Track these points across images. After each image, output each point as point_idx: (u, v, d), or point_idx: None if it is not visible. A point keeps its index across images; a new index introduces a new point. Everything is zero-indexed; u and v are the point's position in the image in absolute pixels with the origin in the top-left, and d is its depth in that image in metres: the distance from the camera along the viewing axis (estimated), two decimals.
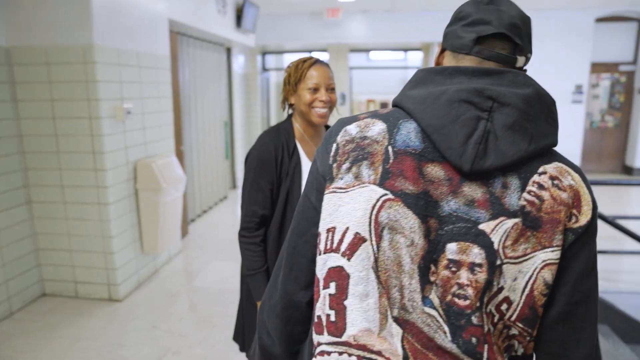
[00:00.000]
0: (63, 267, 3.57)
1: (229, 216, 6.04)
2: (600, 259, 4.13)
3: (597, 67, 8.55)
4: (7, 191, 3.28)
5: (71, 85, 3.26)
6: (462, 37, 0.80)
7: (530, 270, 0.71)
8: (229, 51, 6.96)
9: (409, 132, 0.75)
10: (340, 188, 0.76)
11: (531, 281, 0.72)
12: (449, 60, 0.83)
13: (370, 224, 0.72)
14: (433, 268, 0.71)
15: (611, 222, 3.16)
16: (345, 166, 0.76)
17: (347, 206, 0.74)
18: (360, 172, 0.75)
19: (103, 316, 3.32)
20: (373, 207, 0.72)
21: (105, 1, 3.31)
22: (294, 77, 1.69)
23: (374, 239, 0.72)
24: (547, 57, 8.19)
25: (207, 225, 5.55)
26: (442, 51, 0.86)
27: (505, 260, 0.71)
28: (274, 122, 11.00)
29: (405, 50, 9.88)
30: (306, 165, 1.72)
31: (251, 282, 1.69)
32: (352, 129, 0.79)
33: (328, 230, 0.76)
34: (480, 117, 0.72)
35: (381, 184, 0.73)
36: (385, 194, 0.72)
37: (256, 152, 1.68)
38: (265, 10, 7.70)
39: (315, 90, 1.67)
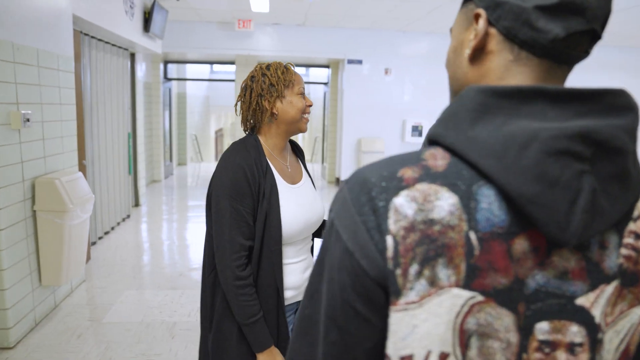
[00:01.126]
0: None
1: (134, 237, 5.45)
2: None
3: None
4: None
5: None
6: (539, 29, 0.55)
7: (626, 328, 0.60)
8: (133, 57, 6.37)
9: (490, 203, 0.53)
10: (413, 302, 0.54)
11: (627, 338, 0.60)
12: (500, 50, 0.59)
13: (454, 335, 0.55)
14: (525, 356, 0.57)
15: None
16: (413, 270, 0.53)
17: (426, 324, 0.54)
18: (436, 274, 0.53)
19: None
20: (457, 315, 0.54)
21: None
22: (284, 81, 1.50)
23: (458, 350, 0.55)
24: (447, 79, 8.70)
25: (112, 248, 4.93)
26: (488, 26, 0.60)
27: (606, 330, 0.58)
28: (176, 135, 10.37)
29: (313, 66, 9.91)
30: (282, 185, 1.51)
31: (251, 332, 1.42)
32: (406, 206, 0.53)
33: (403, 358, 0.56)
34: (583, 171, 0.52)
35: (466, 285, 0.53)
36: (473, 297, 0.53)
37: (228, 175, 1.41)
38: (171, 16, 7.22)
39: (302, 95, 1.55)
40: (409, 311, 0.54)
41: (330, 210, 0.61)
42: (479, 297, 0.53)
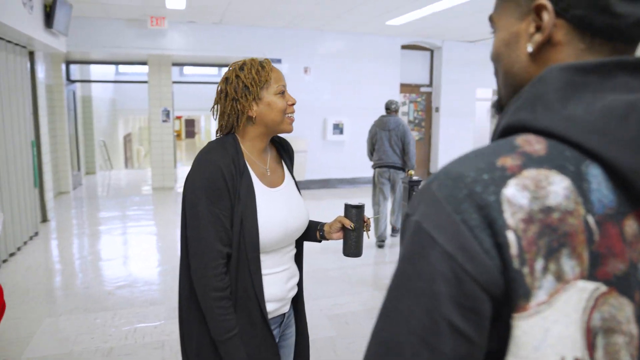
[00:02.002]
0: None
1: (45, 256, 4.89)
2: None
3: (404, 88, 9.61)
4: None
5: None
6: (619, 14, 0.53)
7: None
8: (32, 55, 5.73)
9: (599, 183, 0.50)
10: (543, 303, 0.48)
11: None
12: (569, 41, 0.56)
13: (582, 336, 0.49)
14: None
15: None
16: (539, 265, 0.48)
17: (557, 327, 0.49)
18: (562, 267, 0.48)
19: None
20: (584, 312, 0.49)
21: None
22: (260, 82, 1.36)
23: (586, 354, 0.49)
24: (364, 77, 8.89)
25: (22, 270, 4.37)
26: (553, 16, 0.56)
27: None
28: (82, 142, 9.57)
29: (225, 66, 9.62)
30: (259, 188, 1.38)
31: (227, 349, 1.29)
32: (518, 196, 0.49)
33: None
34: None
35: (591, 275, 0.49)
36: (597, 288, 0.49)
37: (204, 174, 1.29)
38: (75, 11, 6.59)
39: (282, 94, 1.41)
40: (540, 314, 0.48)
41: (410, 214, 0.54)
42: (603, 288, 0.49)
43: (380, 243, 5.20)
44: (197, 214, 1.28)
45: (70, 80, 8.39)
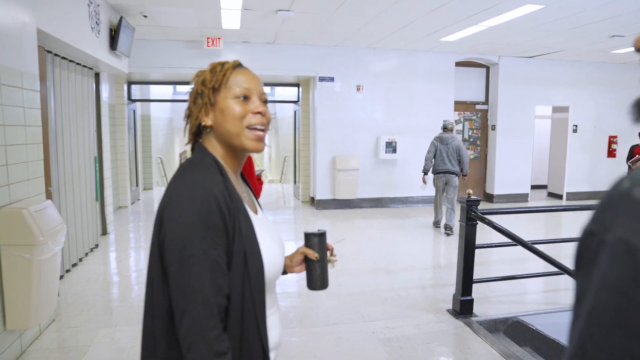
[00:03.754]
0: None
1: (104, 268, 5.05)
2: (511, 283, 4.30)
3: (459, 106, 9.38)
4: None
5: None
6: None
7: None
8: (97, 76, 6.04)
9: None
10: None
11: None
12: None
13: None
14: None
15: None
16: None
17: None
18: None
19: None
20: None
21: None
22: (212, 83, 1.13)
23: None
24: (417, 95, 8.75)
25: (82, 281, 4.53)
26: None
27: None
28: (141, 159, 9.96)
29: (282, 85, 9.76)
30: (252, 217, 1.16)
31: None
32: None
33: None
34: None
35: None
36: None
37: (195, 206, 1.02)
38: (138, 34, 6.93)
39: (245, 99, 1.13)
40: None
41: (599, 231, 0.45)
42: None
43: (448, 232, 6.54)
44: (188, 259, 1.00)
45: (131, 100, 8.78)
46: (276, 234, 1.25)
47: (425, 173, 6.81)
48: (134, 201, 8.95)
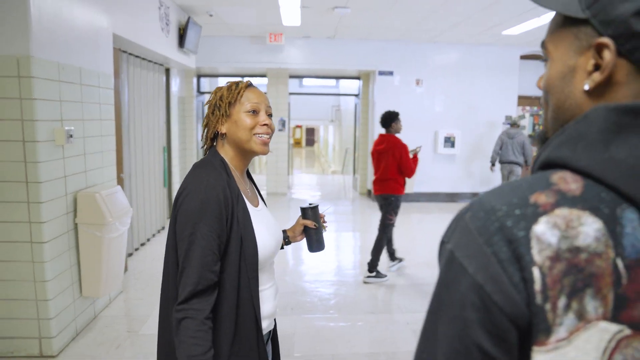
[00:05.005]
0: None
1: None
2: None
3: (523, 100, 9.10)
4: None
5: (0, 102, 2.77)
6: None
7: None
8: (168, 72, 6.54)
9: (634, 228, 0.50)
10: (563, 339, 0.49)
11: None
12: (629, 82, 0.54)
13: None
14: None
15: None
16: (562, 303, 0.49)
17: None
18: (584, 307, 0.49)
19: None
20: (604, 352, 0.50)
21: (46, 7, 2.88)
22: (228, 99, 1.39)
23: None
24: (478, 89, 8.59)
25: (148, 259, 5.02)
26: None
27: None
28: None
29: (343, 78, 9.94)
30: (250, 208, 1.40)
31: None
32: (548, 234, 0.49)
33: None
34: None
35: (614, 317, 0.49)
36: (620, 331, 0.49)
37: (201, 197, 1.26)
38: (205, 32, 7.39)
39: (255, 113, 1.39)
40: (559, 350, 0.49)
41: (445, 241, 0.57)
42: (627, 331, 0.48)
43: None
44: (190, 237, 1.25)
45: (200, 92, 9.33)
46: (272, 222, 1.50)
47: (493, 164, 7.64)
48: None
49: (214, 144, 1.45)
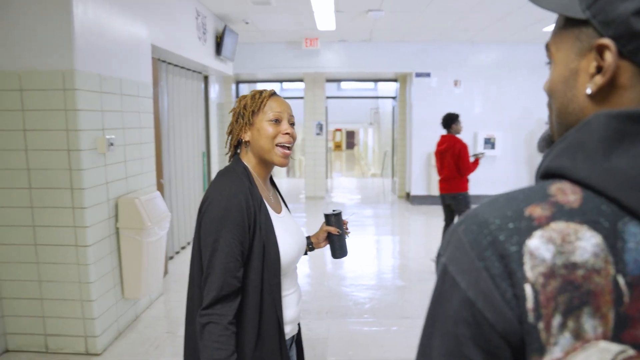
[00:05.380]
0: (31, 318, 3.14)
1: None
2: None
3: None
4: None
5: (47, 113, 2.94)
6: None
7: None
8: (206, 79, 6.72)
9: (637, 242, 0.46)
10: None
11: None
12: (634, 85, 0.51)
13: None
14: None
15: None
16: (556, 322, 0.46)
17: None
18: (581, 326, 0.46)
19: None
20: None
21: (88, 23, 3.04)
22: (251, 107, 1.41)
23: None
24: (519, 88, 8.35)
25: (188, 262, 5.14)
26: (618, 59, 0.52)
27: None
28: None
29: (380, 80, 9.90)
30: (273, 215, 1.42)
31: None
32: (542, 249, 0.47)
33: None
34: None
35: (615, 337, 0.46)
36: (623, 351, 0.46)
37: (223, 205, 1.30)
38: (242, 39, 7.54)
39: (277, 122, 1.41)
40: None
41: (440, 254, 0.55)
42: (630, 352, 0.45)
43: None
44: (213, 244, 1.28)
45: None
46: (295, 229, 1.52)
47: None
48: None
49: (238, 151, 1.49)
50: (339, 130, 34.30)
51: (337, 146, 35.93)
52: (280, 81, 10.74)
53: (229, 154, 1.51)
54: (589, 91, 0.53)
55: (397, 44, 8.30)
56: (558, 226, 0.47)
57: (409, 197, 8.92)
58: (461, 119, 5.12)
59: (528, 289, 0.47)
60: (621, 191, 0.47)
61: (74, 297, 3.09)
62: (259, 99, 1.42)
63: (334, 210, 1.72)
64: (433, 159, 8.36)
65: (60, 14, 2.87)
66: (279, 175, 16.07)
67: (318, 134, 9.18)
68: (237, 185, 1.33)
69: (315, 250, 1.76)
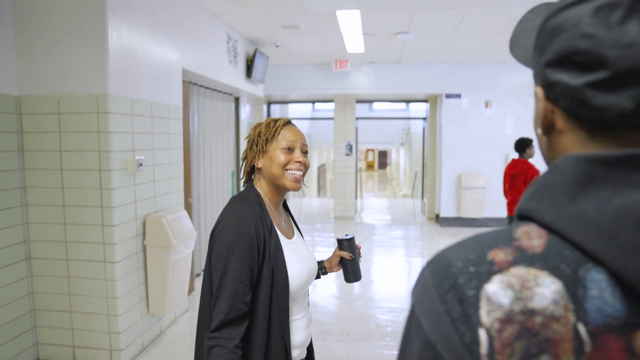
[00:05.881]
0: (61, 329, 3.28)
1: None
2: None
3: None
4: (6, 247, 3.04)
5: (82, 135, 3.10)
6: (599, 107, 0.48)
7: None
8: (237, 100, 6.91)
9: (601, 290, 0.45)
10: None
11: None
12: (569, 129, 0.52)
13: None
14: None
15: None
16: None
17: None
18: None
19: None
20: None
21: (122, 49, 3.21)
22: (265, 135, 1.46)
23: None
24: None
25: None
26: (550, 104, 0.54)
27: None
28: None
29: (410, 101, 9.91)
30: (283, 241, 1.46)
31: None
32: (500, 294, 0.46)
33: None
34: None
35: None
36: None
37: (234, 231, 1.35)
38: (273, 61, 7.74)
39: (290, 150, 1.46)
40: None
41: (412, 294, 0.55)
42: None
43: None
44: (223, 269, 1.32)
45: None
46: (306, 254, 1.54)
47: None
48: None
49: (252, 177, 1.54)
50: (371, 150, 34.28)
51: (370, 166, 35.87)
52: (311, 102, 10.90)
53: (244, 180, 1.56)
54: (538, 132, 0.57)
55: (427, 65, 8.32)
56: (518, 271, 0.47)
57: (438, 219, 8.81)
58: (535, 143, 5.29)
59: (482, 334, 0.46)
60: (585, 237, 0.46)
61: (101, 311, 3.21)
62: (273, 128, 1.47)
63: (346, 235, 1.75)
64: (463, 180, 8.28)
65: (96, 40, 3.05)
66: (310, 194, 16.18)
67: (347, 154, 9.23)
68: (248, 212, 1.38)
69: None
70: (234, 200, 1.45)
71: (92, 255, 3.18)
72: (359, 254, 1.75)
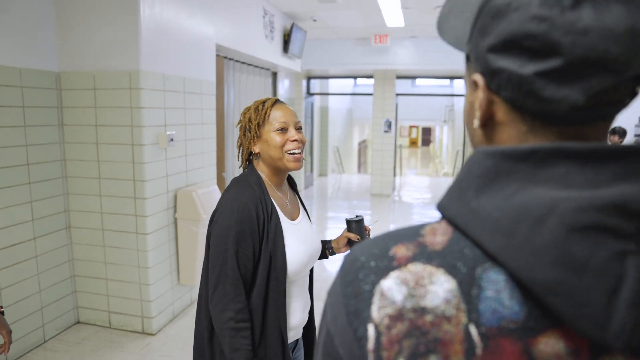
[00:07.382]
0: (98, 295, 3.46)
1: None
2: None
3: None
4: (50, 215, 3.22)
5: (116, 111, 3.20)
6: (548, 99, 0.44)
7: None
8: (274, 75, 6.91)
9: (498, 291, 0.43)
10: None
11: None
12: (510, 121, 0.48)
13: None
14: None
15: None
16: None
17: None
18: None
19: (134, 350, 3.17)
20: None
21: (154, 25, 3.26)
22: (256, 120, 1.45)
23: None
24: None
25: None
26: (490, 93, 0.49)
27: None
28: (317, 146, 10.89)
29: (454, 78, 9.61)
30: (285, 223, 1.46)
31: None
32: (394, 290, 0.45)
33: None
34: (625, 252, 0.39)
35: None
36: None
37: (233, 215, 1.35)
38: (311, 35, 7.65)
39: (284, 130, 1.45)
40: None
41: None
42: None
43: None
44: (223, 252, 1.34)
45: (309, 94, 9.66)
46: (309, 235, 1.54)
47: None
48: (307, 186, 9.90)
49: (252, 160, 1.53)
50: (415, 126, 33.67)
51: (413, 143, 35.29)
52: (352, 77, 10.76)
53: (242, 167, 1.55)
54: (475, 124, 0.51)
55: None
56: (415, 268, 0.45)
57: None
58: None
59: (371, 330, 0.45)
60: (483, 234, 0.43)
61: (134, 280, 3.36)
62: (263, 110, 1.46)
63: (356, 216, 1.72)
64: None
65: (128, 16, 3.10)
66: (350, 170, 16.14)
67: (386, 131, 9.10)
68: (247, 195, 1.38)
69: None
70: (234, 184, 1.45)
71: (126, 226, 3.31)
72: (368, 235, 1.73)
